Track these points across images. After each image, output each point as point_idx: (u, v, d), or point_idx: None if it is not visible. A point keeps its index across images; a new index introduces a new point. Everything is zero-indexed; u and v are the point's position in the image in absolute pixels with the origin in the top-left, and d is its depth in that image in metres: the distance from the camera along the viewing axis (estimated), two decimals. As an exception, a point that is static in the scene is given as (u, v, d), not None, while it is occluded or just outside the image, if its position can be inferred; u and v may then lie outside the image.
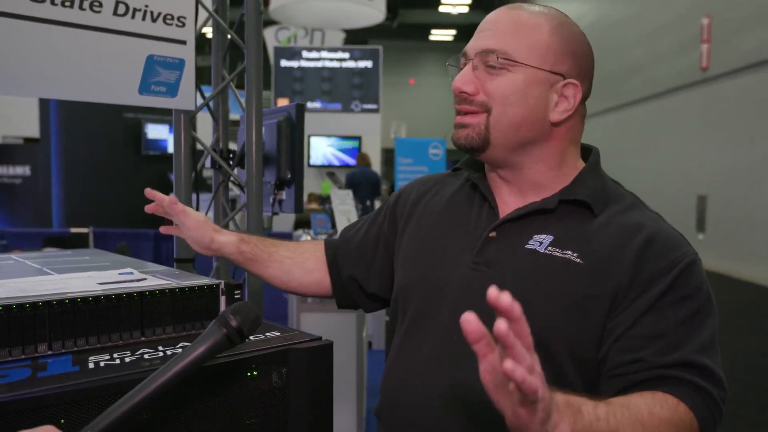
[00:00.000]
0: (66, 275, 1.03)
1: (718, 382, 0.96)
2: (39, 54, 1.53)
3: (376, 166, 9.56)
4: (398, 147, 7.90)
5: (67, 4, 1.55)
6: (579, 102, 1.10)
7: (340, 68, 10.29)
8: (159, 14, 1.72)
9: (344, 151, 10.03)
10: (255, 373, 0.85)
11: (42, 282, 0.95)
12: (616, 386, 0.96)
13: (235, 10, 2.09)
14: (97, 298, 0.85)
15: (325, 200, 7.27)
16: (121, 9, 1.65)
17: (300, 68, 10.31)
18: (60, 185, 7.27)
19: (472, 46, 1.11)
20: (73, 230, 6.14)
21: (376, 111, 10.24)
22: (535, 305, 0.96)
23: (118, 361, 0.80)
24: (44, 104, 7.38)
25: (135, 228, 6.39)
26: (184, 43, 1.79)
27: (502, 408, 0.77)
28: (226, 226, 2.31)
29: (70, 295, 0.84)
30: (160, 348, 0.87)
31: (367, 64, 10.27)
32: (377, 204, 8.20)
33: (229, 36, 2.28)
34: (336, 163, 9.90)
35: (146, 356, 0.83)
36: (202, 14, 2.08)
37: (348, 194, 4.31)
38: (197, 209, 2.16)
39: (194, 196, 2.13)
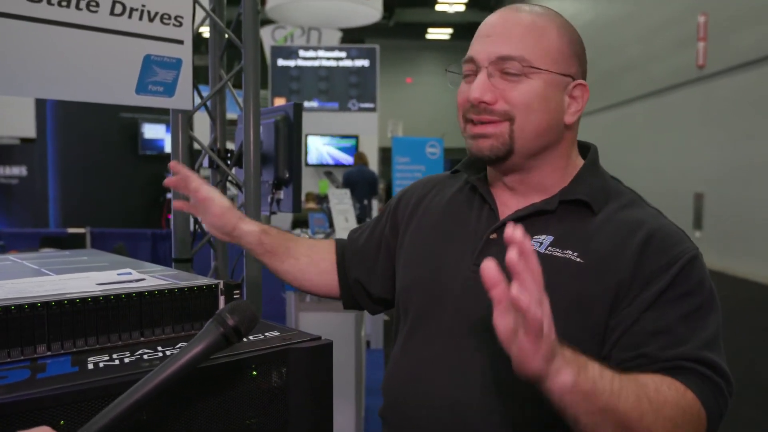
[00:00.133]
0: (64, 276, 1.02)
1: (725, 376, 0.96)
2: (35, 54, 1.53)
3: (374, 165, 9.55)
4: (395, 146, 7.90)
5: (64, 3, 1.55)
6: (586, 101, 1.10)
7: (337, 67, 10.28)
8: (156, 14, 1.71)
9: (341, 150, 10.02)
10: (255, 372, 0.85)
11: (40, 283, 0.95)
12: None
13: (231, 10, 2.08)
14: (96, 299, 0.85)
15: (322, 199, 7.26)
16: (118, 9, 1.64)
17: (297, 67, 10.30)
18: (57, 185, 7.25)
19: (484, 52, 1.07)
20: (70, 230, 6.12)
21: (373, 110, 10.23)
22: None
23: (117, 362, 0.80)
24: (40, 104, 7.36)
25: (132, 228, 6.38)
26: (181, 42, 1.78)
27: (510, 351, 0.80)
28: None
29: (68, 295, 0.84)
30: (160, 348, 0.87)
31: (364, 63, 10.26)
32: (375, 203, 8.20)
33: (226, 35, 2.27)
34: (333, 162, 9.89)
35: (145, 357, 0.83)
36: (199, 14, 2.07)
37: (346, 193, 4.31)
38: (195, 209, 2.16)
39: (192, 196, 2.13)
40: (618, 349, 0.98)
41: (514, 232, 0.75)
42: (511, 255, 0.75)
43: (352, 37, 14.44)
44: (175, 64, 1.78)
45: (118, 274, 1.03)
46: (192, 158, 2.14)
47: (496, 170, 1.16)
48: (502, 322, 0.79)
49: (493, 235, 1.12)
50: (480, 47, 1.09)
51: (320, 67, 10.29)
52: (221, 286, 0.97)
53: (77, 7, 1.57)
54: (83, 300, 0.84)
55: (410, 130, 18.77)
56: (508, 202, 1.15)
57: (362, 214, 5.51)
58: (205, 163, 2.32)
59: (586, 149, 1.19)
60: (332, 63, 10.29)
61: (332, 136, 9.93)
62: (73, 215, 6.95)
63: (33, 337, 0.80)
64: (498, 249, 1.09)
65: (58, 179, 7.23)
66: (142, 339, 0.89)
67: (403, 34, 23.67)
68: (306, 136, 9.66)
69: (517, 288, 0.75)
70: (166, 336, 0.92)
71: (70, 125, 7.11)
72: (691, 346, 0.95)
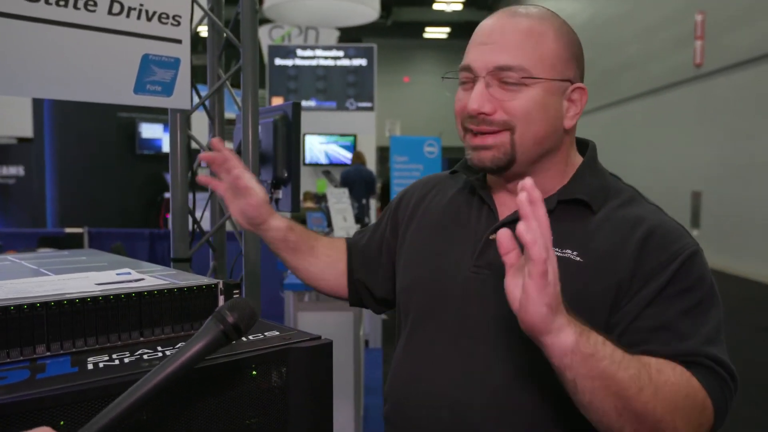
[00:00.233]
0: (63, 276, 1.02)
1: (729, 371, 0.95)
2: (33, 53, 1.52)
3: (372, 164, 9.55)
4: (393, 145, 7.89)
5: (62, 3, 1.54)
6: (585, 104, 1.10)
7: (335, 66, 10.27)
8: (154, 13, 1.71)
9: (339, 149, 10.01)
10: (255, 372, 0.85)
11: (39, 283, 0.95)
12: None
13: (230, 9, 2.08)
14: (95, 299, 0.85)
15: (320, 199, 7.26)
16: (116, 8, 1.64)
17: (294, 66, 10.29)
18: (54, 185, 7.24)
19: (481, 61, 1.06)
20: (68, 230, 6.11)
21: (370, 109, 10.22)
22: None
23: (117, 362, 0.80)
24: (38, 104, 7.35)
25: (130, 228, 6.38)
26: (179, 42, 1.78)
27: (516, 309, 0.84)
28: (223, 225, 2.30)
29: (68, 296, 0.84)
30: (159, 348, 0.87)
31: (362, 62, 10.25)
32: (373, 203, 8.19)
33: (224, 35, 2.27)
34: (331, 161, 9.88)
35: (145, 357, 0.83)
36: (197, 13, 2.07)
37: (344, 192, 4.31)
38: (194, 209, 2.16)
39: (190, 196, 2.13)
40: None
41: (524, 180, 0.80)
42: (521, 197, 0.79)
43: (349, 36, 14.43)
44: (174, 64, 1.77)
45: (118, 274, 1.02)
46: (190, 158, 2.14)
47: (498, 178, 1.16)
48: (512, 281, 0.83)
49: (493, 236, 1.12)
50: (477, 55, 1.07)
51: (318, 67, 10.28)
52: (221, 285, 0.97)
53: (75, 6, 1.57)
54: (83, 300, 0.84)
55: (408, 129, 18.77)
56: (507, 203, 1.15)
57: (360, 214, 5.50)
58: (204, 162, 2.32)
59: (584, 146, 1.18)
60: (330, 62, 10.28)
61: (330, 135, 9.92)
62: (70, 215, 6.94)
63: (32, 337, 0.80)
64: (497, 250, 1.09)
65: (56, 179, 7.22)
66: (141, 339, 0.89)
67: (400, 33, 23.68)
68: (304, 135, 9.64)
69: (523, 225, 0.78)
70: (165, 336, 0.91)
71: (68, 125, 7.10)
72: (693, 342, 0.95)
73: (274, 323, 1.00)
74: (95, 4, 1.60)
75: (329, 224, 4.28)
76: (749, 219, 10.15)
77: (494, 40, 1.06)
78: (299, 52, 10.32)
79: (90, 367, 0.78)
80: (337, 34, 11.81)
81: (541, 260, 0.79)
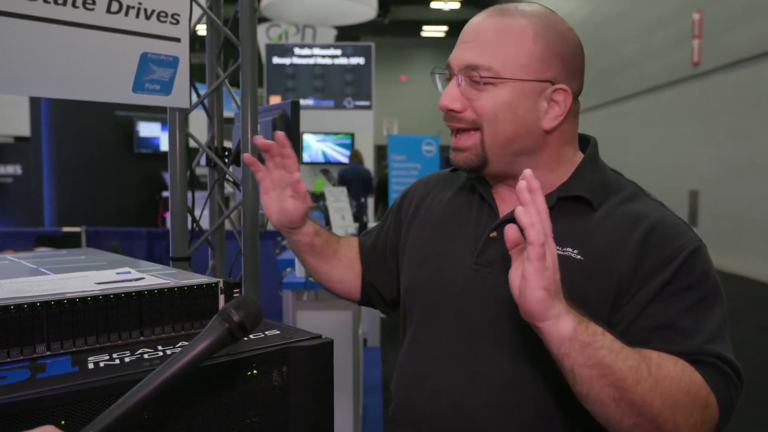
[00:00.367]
0: (63, 275, 1.02)
1: (734, 368, 0.95)
2: (31, 52, 1.52)
3: (369, 163, 9.55)
4: (391, 144, 7.89)
5: (60, 1, 1.54)
6: (570, 105, 1.07)
7: (332, 65, 10.25)
8: (153, 11, 1.70)
9: (337, 148, 10.01)
10: (255, 371, 0.85)
11: (39, 282, 0.94)
12: None
13: (228, 7, 2.07)
14: (95, 298, 0.84)
15: (319, 197, 7.25)
16: (115, 6, 1.63)
17: (292, 65, 10.27)
18: (51, 184, 7.23)
19: (456, 58, 1.08)
20: (65, 229, 6.10)
21: (368, 108, 10.22)
22: None
23: (117, 361, 0.79)
24: (35, 102, 7.34)
25: (127, 227, 6.37)
26: (178, 40, 1.77)
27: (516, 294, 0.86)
28: (222, 224, 2.30)
29: (68, 295, 0.83)
30: (160, 347, 0.86)
31: (359, 60, 10.24)
32: (371, 202, 8.19)
33: (223, 33, 2.27)
34: (329, 160, 9.88)
35: (146, 356, 0.82)
36: (196, 11, 2.06)
37: (342, 191, 4.30)
38: (193, 207, 2.15)
39: (189, 195, 2.12)
40: None
41: (525, 171, 0.84)
42: (521, 185, 0.83)
43: (346, 34, 14.42)
44: (172, 62, 1.77)
45: (117, 273, 1.02)
46: (189, 156, 2.13)
47: (486, 177, 1.16)
48: (515, 273, 0.85)
49: (493, 234, 1.12)
50: (455, 52, 1.09)
51: (315, 65, 10.26)
52: (221, 284, 0.97)
53: (74, 5, 1.56)
54: (83, 299, 0.83)
55: (405, 128, 18.76)
56: (507, 200, 1.15)
57: (359, 212, 5.50)
58: (202, 161, 2.32)
59: (585, 142, 1.17)
60: (327, 61, 10.26)
61: (328, 134, 9.92)
62: (68, 214, 6.94)
63: (32, 336, 0.80)
64: (498, 247, 1.08)
65: (53, 178, 7.20)
66: (142, 338, 0.89)
67: (398, 32, 23.66)
68: (302, 134, 9.63)
69: (521, 210, 0.82)
70: (166, 335, 0.91)
71: (65, 123, 7.09)
72: (696, 341, 0.94)
73: (275, 322, 1.00)
74: (94, 3, 1.59)
75: (327, 223, 4.27)
76: (747, 218, 10.17)
77: (470, 38, 1.07)
78: (297, 50, 10.31)
79: (91, 366, 0.77)
80: (334, 32, 11.80)
81: (539, 243, 0.81)
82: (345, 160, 9.47)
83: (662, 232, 1.01)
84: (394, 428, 1.21)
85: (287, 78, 10.27)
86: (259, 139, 1.21)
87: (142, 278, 0.99)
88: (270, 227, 4.35)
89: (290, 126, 2.00)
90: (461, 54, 1.07)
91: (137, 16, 1.68)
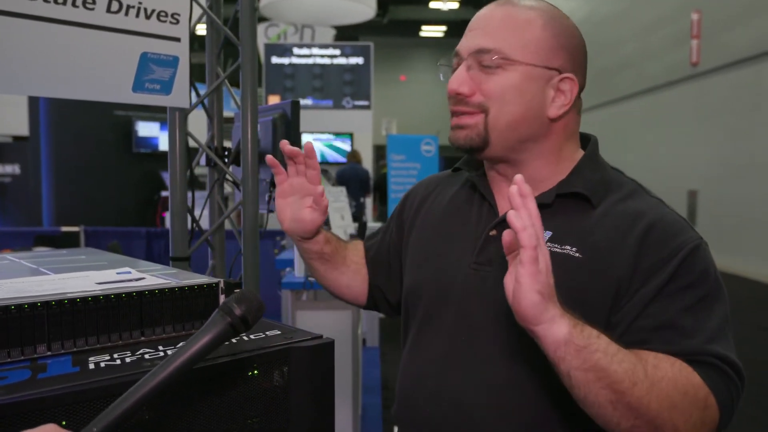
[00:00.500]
0: (63, 275, 1.02)
1: (734, 367, 0.94)
2: (31, 52, 1.52)
3: (368, 163, 9.54)
4: (390, 143, 7.89)
5: (60, 1, 1.54)
6: (576, 95, 1.09)
7: (331, 65, 10.24)
8: (153, 11, 1.70)
9: (336, 148, 10.01)
10: (256, 372, 0.85)
11: (39, 282, 0.94)
12: None
13: (228, 7, 2.07)
14: (96, 298, 0.84)
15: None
16: (115, 6, 1.63)
17: (291, 65, 10.26)
18: (50, 183, 7.22)
19: (465, 45, 1.09)
20: (64, 229, 6.10)
21: (367, 108, 10.21)
22: None
23: (118, 362, 0.79)
24: (34, 102, 7.33)
25: (126, 226, 6.36)
26: (178, 40, 1.77)
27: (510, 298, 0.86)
28: (222, 224, 2.30)
29: (69, 295, 0.83)
30: (161, 347, 0.86)
31: (358, 60, 10.23)
32: (369, 202, 8.19)
33: (223, 33, 2.26)
34: (328, 159, 9.88)
35: (147, 356, 0.82)
36: (196, 11, 2.06)
37: (342, 191, 4.30)
38: (192, 207, 2.15)
39: (189, 195, 2.12)
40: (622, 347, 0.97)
41: (516, 177, 0.85)
42: (512, 189, 0.84)
43: (345, 34, 14.41)
44: (172, 62, 1.77)
45: (118, 273, 1.02)
46: (189, 156, 2.13)
47: (483, 160, 1.17)
48: (509, 277, 0.86)
49: (493, 232, 1.11)
50: (464, 40, 1.10)
51: (314, 65, 10.25)
52: (222, 284, 0.97)
53: (74, 4, 1.56)
54: (83, 299, 0.83)
55: (404, 128, 18.75)
56: (506, 198, 1.15)
57: (357, 213, 5.50)
58: (202, 161, 2.31)
59: (586, 140, 1.18)
60: (326, 60, 10.25)
61: (327, 133, 9.91)
62: (66, 213, 6.93)
63: (33, 336, 0.80)
64: (498, 246, 1.08)
65: (52, 177, 7.20)
66: (142, 338, 0.89)
67: (397, 32, 23.64)
68: (301, 133, 9.62)
69: (513, 213, 0.82)
70: (167, 335, 0.91)
71: (64, 123, 7.09)
72: (696, 341, 0.93)
73: (275, 322, 1.00)
74: (94, 2, 1.59)
75: (327, 222, 4.27)
76: (747, 218, 10.17)
77: (480, 26, 1.09)
78: (296, 50, 10.29)
79: (91, 366, 0.77)
80: (333, 32, 11.80)
81: (531, 246, 0.81)
82: (344, 159, 9.47)
83: (661, 230, 1.00)
84: (397, 427, 1.21)
85: (286, 78, 10.26)
86: (286, 146, 1.21)
87: (143, 278, 0.99)
88: (269, 227, 4.35)
89: (290, 126, 2.00)
90: (471, 40, 1.08)
91: (137, 15, 1.68)
